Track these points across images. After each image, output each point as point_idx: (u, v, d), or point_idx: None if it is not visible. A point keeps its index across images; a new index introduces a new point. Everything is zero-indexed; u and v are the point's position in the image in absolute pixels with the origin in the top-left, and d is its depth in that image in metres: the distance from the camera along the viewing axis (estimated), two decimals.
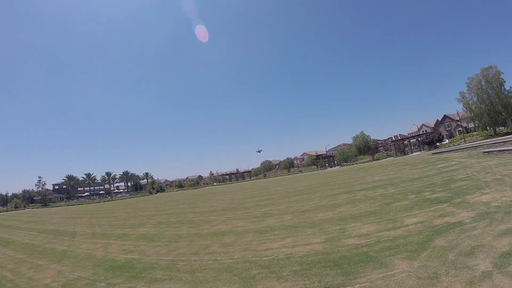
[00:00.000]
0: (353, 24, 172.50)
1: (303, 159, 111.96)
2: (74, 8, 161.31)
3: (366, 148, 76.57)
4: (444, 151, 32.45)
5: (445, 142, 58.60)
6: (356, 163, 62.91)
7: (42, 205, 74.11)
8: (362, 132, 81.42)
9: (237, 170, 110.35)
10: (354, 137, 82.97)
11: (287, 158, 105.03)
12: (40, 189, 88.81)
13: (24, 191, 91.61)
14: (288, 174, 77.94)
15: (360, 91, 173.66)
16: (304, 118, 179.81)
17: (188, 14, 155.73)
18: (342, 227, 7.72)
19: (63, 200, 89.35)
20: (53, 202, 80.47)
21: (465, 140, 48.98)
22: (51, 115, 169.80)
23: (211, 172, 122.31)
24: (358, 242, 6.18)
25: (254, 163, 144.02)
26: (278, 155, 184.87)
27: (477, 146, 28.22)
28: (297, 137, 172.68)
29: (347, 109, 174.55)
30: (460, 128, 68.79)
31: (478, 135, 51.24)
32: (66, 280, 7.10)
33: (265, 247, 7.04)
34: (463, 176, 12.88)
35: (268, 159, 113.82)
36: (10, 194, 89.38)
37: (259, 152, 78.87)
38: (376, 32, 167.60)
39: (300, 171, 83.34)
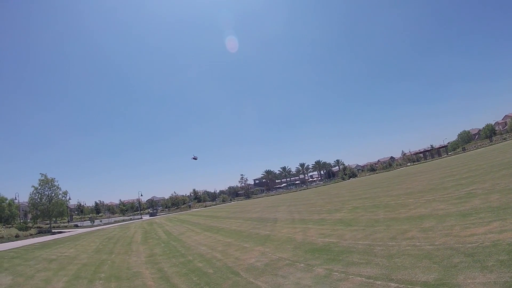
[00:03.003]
0: None
1: (505, 123, 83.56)
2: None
3: None
4: None
5: None
6: None
7: (246, 198, 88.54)
8: None
9: (432, 146, 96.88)
10: None
11: (487, 125, 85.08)
12: (243, 184, 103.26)
13: (229, 188, 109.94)
14: (491, 144, 63.25)
15: None
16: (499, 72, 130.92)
17: None
18: None
19: (263, 192, 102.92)
20: (255, 194, 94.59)
21: None
22: (257, 117, 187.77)
23: (403, 152, 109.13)
24: None
25: (450, 136, 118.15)
26: (475, 123, 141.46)
27: None
28: (494, 98, 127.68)
29: None
30: None
31: None
32: (269, 260, 8.12)
33: (469, 233, 6.19)
34: None
35: (466, 129, 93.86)
36: (217, 191, 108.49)
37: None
38: None
39: (504, 138, 68.40)
